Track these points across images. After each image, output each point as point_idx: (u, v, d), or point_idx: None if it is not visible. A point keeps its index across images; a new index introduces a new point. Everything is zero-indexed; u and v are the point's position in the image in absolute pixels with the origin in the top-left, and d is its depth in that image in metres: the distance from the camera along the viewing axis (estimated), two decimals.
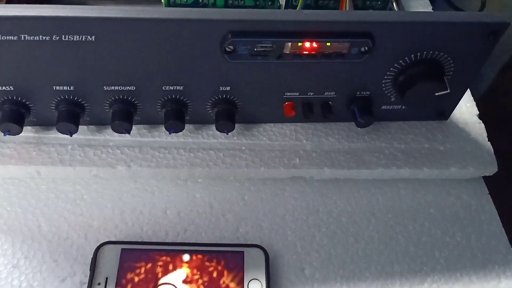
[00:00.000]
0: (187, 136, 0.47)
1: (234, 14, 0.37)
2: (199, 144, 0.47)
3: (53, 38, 0.36)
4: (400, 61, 0.43)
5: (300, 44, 0.39)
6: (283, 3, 0.55)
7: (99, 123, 0.46)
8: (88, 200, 0.47)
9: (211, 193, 0.49)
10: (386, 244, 0.47)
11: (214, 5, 0.54)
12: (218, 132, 0.48)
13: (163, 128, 0.47)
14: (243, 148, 0.47)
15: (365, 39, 0.39)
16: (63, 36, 0.36)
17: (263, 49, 0.39)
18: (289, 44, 0.39)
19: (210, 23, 0.37)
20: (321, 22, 0.38)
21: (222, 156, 0.46)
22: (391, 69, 0.43)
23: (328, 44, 0.40)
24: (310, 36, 0.38)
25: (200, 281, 0.41)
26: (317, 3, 0.55)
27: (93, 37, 0.37)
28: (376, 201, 0.49)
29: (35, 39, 0.36)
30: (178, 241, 0.45)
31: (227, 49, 0.39)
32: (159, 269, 0.42)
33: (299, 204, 0.49)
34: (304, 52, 0.40)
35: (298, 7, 0.54)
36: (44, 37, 0.36)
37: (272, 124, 0.49)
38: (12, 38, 0.36)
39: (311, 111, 0.46)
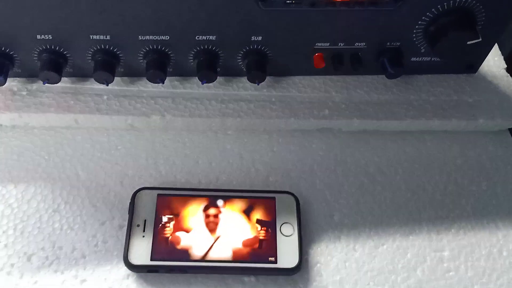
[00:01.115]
0: (218, 88, 0.48)
1: None
2: (230, 96, 0.48)
3: None
4: (432, 10, 0.43)
5: None
6: None
7: (133, 74, 0.47)
8: (122, 150, 0.48)
9: (240, 144, 0.50)
10: (413, 192, 0.48)
11: None
12: (248, 84, 0.48)
13: (194, 80, 0.48)
14: (273, 99, 0.48)
15: None
16: None
17: None
18: None
19: None
20: None
21: (253, 107, 0.47)
22: (423, 18, 0.44)
23: None
24: None
25: (234, 224, 0.43)
26: None
27: None
28: (403, 152, 0.50)
29: None
30: (211, 188, 0.47)
31: None
32: (193, 213, 0.43)
33: (327, 155, 0.50)
34: None
35: None
36: None
37: (301, 76, 0.49)
38: None
39: (341, 63, 0.47)
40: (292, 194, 0.45)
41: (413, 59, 0.48)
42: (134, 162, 0.48)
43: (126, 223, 0.44)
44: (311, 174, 0.49)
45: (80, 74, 0.46)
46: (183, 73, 0.47)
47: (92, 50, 0.43)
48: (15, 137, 0.48)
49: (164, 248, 0.41)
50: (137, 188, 0.45)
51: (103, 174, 0.46)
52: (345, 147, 0.50)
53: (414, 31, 0.45)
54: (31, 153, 0.47)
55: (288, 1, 0.40)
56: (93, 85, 0.46)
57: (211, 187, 0.47)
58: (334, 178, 0.48)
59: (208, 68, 0.44)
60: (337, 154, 0.50)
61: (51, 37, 0.41)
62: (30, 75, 0.45)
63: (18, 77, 0.45)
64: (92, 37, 0.42)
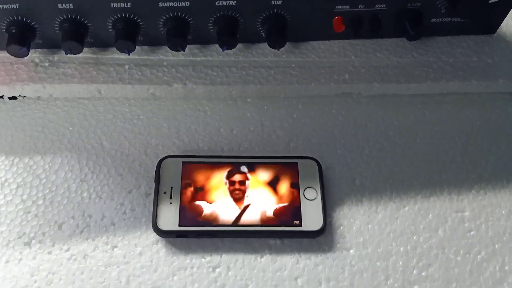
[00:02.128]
0: (238, 55, 0.48)
1: None
2: (249, 62, 0.48)
3: None
4: None
5: None
6: None
7: (153, 43, 0.47)
8: (144, 119, 0.49)
9: (261, 111, 0.50)
10: (433, 154, 0.48)
11: None
12: (267, 50, 0.48)
13: (214, 48, 0.48)
14: (293, 65, 0.48)
15: None
16: None
17: None
18: None
19: None
20: None
21: (273, 73, 0.47)
22: None
23: None
24: None
25: (258, 189, 0.44)
26: None
27: None
28: (422, 116, 0.50)
29: None
30: (234, 154, 0.47)
31: None
32: (219, 179, 0.44)
33: (347, 120, 0.50)
34: None
35: None
36: None
37: (320, 41, 0.49)
38: None
39: (360, 26, 0.46)
40: (314, 159, 0.46)
41: (433, 20, 0.48)
42: (157, 131, 0.48)
43: (152, 191, 0.45)
44: (332, 139, 0.49)
45: (101, 44, 0.46)
46: (202, 41, 0.47)
47: (113, 18, 0.43)
48: (38, 109, 0.48)
49: (191, 214, 0.42)
50: (161, 157, 0.46)
51: (127, 144, 0.47)
52: (364, 112, 0.51)
53: None
54: (55, 125, 0.48)
55: None
56: (114, 55, 0.46)
57: (234, 153, 0.48)
58: (355, 143, 0.49)
59: (229, 34, 0.44)
60: (357, 119, 0.50)
61: (72, 6, 0.41)
62: (51, 46, 0.45)
63: (40, 48, 0.45)
64: (113, 5, 0.41)
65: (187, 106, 0.50)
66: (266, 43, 0.48)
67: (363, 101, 0.51)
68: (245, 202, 0.43)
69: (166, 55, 0.47)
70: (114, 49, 0.46)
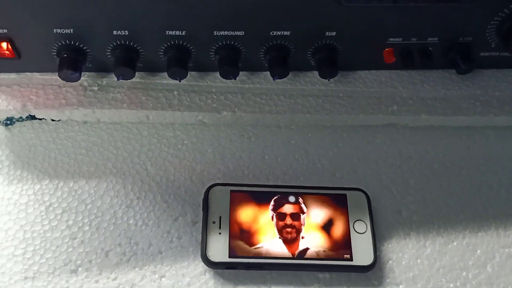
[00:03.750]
0: (286, 83, 0.48)
1: None
2: (297, 91, 0.47)
3: None
4: (511, 6, 0.42)
5: None
6: None
7: (202, 69, 0.46)
8: (189, 145, 0.48)
9: (305, 139, 0.50)
10: (478, 188, 0.48)
11: None
12: (315, 79, 0.48)
13: (261, 74, 0.48)
14: (341, 94, 0.48)
15: None
16: None
17: None
18: None
19: None
20: None
21: (321, 102, 0.47)
22: (499, 14, 0.43)
23: None
24: None
25: (308, 221, 0.43)
26: None
27: None
28: (467, 148, 0.50)
29: None
30: (280, 183, 0.47)
31: None
32: (268, 210, 0.43)
33: (392, 151, 0.49)
34: None
35: None
36: None
37: (367, 71, 0.49)
38: None
39: (411, 58, 0.46)
40: (363, 191, 0.45)
41: (482, 54, 0.48)
42: (201, 157, 0.48)
43: (198, 219, 0.44)
44: (377, 169, 0.49)
45: (150, 69, 0.45)
46: (252, 68, 0.47)
47: (166, 45, 0.42)
48: (81, 131, 0.47)
49: (241, 245, 0.42)
50: (206, 183, 0.46)
51: (172, 169, 0.47)
52: (409, 142, 0.50)
53: (489, 26, 0.44)
54: (99, 148, 0.47)
55: None
56: (163, 80, 0.46)
57: (279, 182, 0.47)
58: (400, 174, 0.48)
59: (281, 64, 0.44)
60: (401, 150, 0.50)
61: (127, 33, 0.41)
62: (100, 69, 0.45)
63: (89, 71, 0.45)
64: (168, 32, 0.41)
65: (231, 132, 0.49)
66: (313, 71, 0.48)
67: (407, 131, 0.51)
68: (295, 235, 0.43)
69: (214, 81, 0.46)
70: (163, 73, 0.46)
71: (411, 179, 0.48)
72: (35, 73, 0.44)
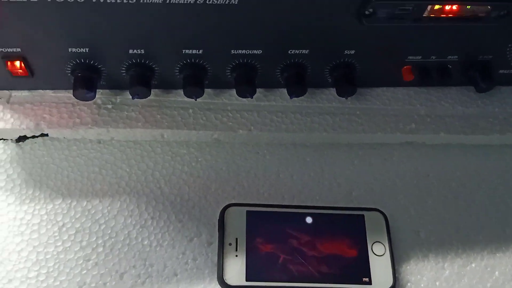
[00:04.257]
0: (302, 101, 0.47)
1: None
2: (314, 108, 0.47)
3: (197, 2, 0.35)
4: None
5: (440, 6, 0.38)
6: None
7: (217, 86, 0.45)
8: (203, 162, 0.47)
9: (320, 157, 0.49)
10: (496, 208, 0.47)
11: None
12: (332, 96, 0.47)
13: (277, 92, 0.47)
14: (358, 112, 0.47)
15: (507, 3, 0.38)
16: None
17: (402, 12, 0.38)
18: (429, 6, 0.38)
19: None
20: None
21: (339, 120, 0.46)
22: None
23: (469, 6, 0.38)
24: None
25: (325, 243, 0.42)
26: None
27: (237, 0, 0.36)
28: (484, 166, 0.49)
29: (179, 2, 0.35)
30: (295, 203, 0.46)
31: (367, 12, 0.38)
32: (285, 231, 0.42)
33: (408, 169, 0.49)
34: (442, 15, 0.39)
35: None
36: (188, 0, 0.35)
37: (384, 88, 0.48)
38: (157, 1, 0.35)
39: (429, 75, 0.45)
40: (381, 211, 0.45)
41: (501, 71, 0.47)
42: (216, 175, 0.47)
43: (214, 239, 0.44)
44: (394, 188, 0.48)
45: (165, 86, 0.45)
46: (267, 85, 0.46)
47: (182, 63, 0.42)
48: (94, 149, 0.47)
49: (259, 267, 0.41)
50: (221, 203, 0.45)
51: (186, 188, 0.46)
52: (426, 160, 0.50)
53: (509, 45, 0.44)
54: (113, 166, 0.46)
55: (392, 17, 0.38)
56: (177, 97, 0.45)
57: (295, 201, 0.46)
58: (417, 193, 0.48)
59: (299, 83, 0.43)
60: (418, 168, 0.49)
61: (143, 52, 0.40)
62: (114, 86, 0.44)
63: (102, 89, 0.44)
64: (185, 51, 0.40)
65: (246, 149, 0.49)
66: (329, 88, 0.48)
67: (424, 149, 0.50)
68: (313, 257, 0.42)
69: (230, 99, 0.46)
70: (178, 91, 0.45)
71: (429, 198, 0.48)
72: (48, 90, 0.44)
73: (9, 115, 0.42)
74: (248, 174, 0.47)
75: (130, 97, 0.43)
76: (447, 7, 0.38)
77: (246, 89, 0.42)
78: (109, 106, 0.44)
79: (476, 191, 0.48)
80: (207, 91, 0.46)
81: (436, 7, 0.38)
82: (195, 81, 0.41)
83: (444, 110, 0.48)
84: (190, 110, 0.45)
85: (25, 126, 0.42)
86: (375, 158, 0.49)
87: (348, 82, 0.43)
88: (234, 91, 0.45)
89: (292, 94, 0.44)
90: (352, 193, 0.47)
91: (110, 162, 0.46)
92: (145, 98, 0.42)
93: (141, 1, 0.35)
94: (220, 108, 0.46)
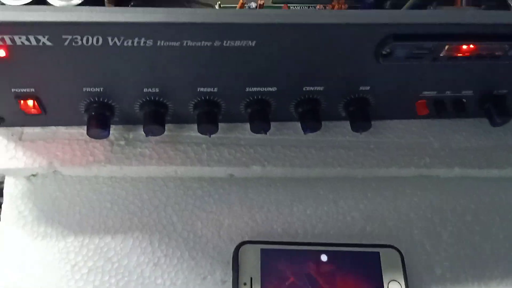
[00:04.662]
0: (316, 134, 0.46)
1: (400, 16, 0.36)
2: (327, 142, 0.46)
3: (214, 44, 0.35)
4: None
5: (458, 46, 0.38)
6: None
7: (231, 121, 0.45)
8: (215, 196, 0.47)
9: (333, 189, 0.48)
10: None
11: None
12: (345, 129, 0.47)
13: (290, 125, 0.47)
14: (371, 146, 0.47)
15: None
16: (224, 41, 0.35)
17: (420, 52, 0.38)
18: (447, 46, 0.38)
19: (373, 26, 0.36)
20: (488, 24, 0.36)
21: (353, 155, 0.46)
22: None
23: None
24: (473, 39, 0.37)
25: (342, 281, 0.42)
26: None
27: (254, 42, 0.36)
28: (499, 199, 0.49)
29: (196, 44, 0.35)
30: (310, 239, 0.46)
31: (384, 52, 0.38)
32: (300, 269, 0.42)
33: (423, 202, 0.48)
34: (460, 54, 0.39)
35: None
36: (205, 43, 0.35)
37: (397, 120, 0.48)
38: (174, 44, 0.35)
39: (444, 109, 0.45)
40: (396, 249, 0.44)
41: None
42: (229, 210, 0.46)
43: (228, 277, 0.43)
44: (408, 222, 0.47)
45: (177, 121, 0.44)
46: (281, 119, 0.46)
47: (196, 100, 0.41)
48: (106, 184, 0.46)
49: None
50: (235, 239, 0.44)
51: (199, 224, 0.45)
52: (440, 194, 0.49)
53: None
54: (124, 201, 0.45)
55: (409, 57, 0.38)
56: (191, 133, 0.44)
57: (309, 237, 0.46)
58: (432, 227, 0.47)
59: (313, 118, 0.43)
60: (432, 201, 0.49)
61: (157, 90, 0.40)
62: (127, 122, 0.44)
63: (114, 124, 0.44)
64: (200, 89, 0.40)
65: (259, 182, 0.48)
66: (342, 121, 0.47)
67: (438, 182, 0.49)
68: None
69: (243, 133, 0.45)
70: (191, 125, 0.45)
71: (444, 232, 0.47)
72: (60, 126, 0.43)
73: (21, 153, 0.42)
74: (261, 208, 0.47)
75: (143, 132, 0.43)
76: (465, 47, 0.38)
77: (260, 125, 0.42)
78: (122, 143, 0.44)
79: (492, 225, 0.48)
80: (220, 125, 0.46)
81: (454, 46, 0.38)
82: (209, 119, 0.41)
83: (458, 143, 0.48)
84: (204, 145, 0.45)
85: (37, 165, 0.42)
86: (388, 191, 0.49)
87: (363, 119, 0.43)
88: (247, 125, 0.45)
89: (306, 130, 0.43)
90: (367, 227, 0.47)
91: (122, 197, 0.46)
92: (159, 135, 0.42)
93: (158, 44, 0.35)
94: (234, 142, 0.45)
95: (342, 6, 0.49)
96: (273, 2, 0.52)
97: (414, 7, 0.44)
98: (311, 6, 0.48)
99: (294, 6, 0.49)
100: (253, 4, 0.48)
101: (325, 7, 0.47)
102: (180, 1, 0.44)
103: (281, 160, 0.45)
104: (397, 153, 0.47)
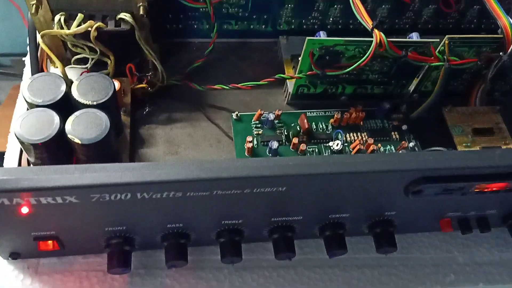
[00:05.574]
0: None
1: (430, 161, 0.35)
2: (351, 261, 0.45)
3: (244, 191, 0.34)
4: None
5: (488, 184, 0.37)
6: (411, 89, 0.53)
7: (253, 241, 0.44)
8: None
9: None
10: None
11: (342, 93, 0.52)
12: (367, 245, 0.46)
13: (311, 243, 0.46)
14: (396, 263, 0.46)
15: None
16: (255, 189, 0.34)
17: (450, 189, 0.37)
18: (476, 185, 0.37)
19: (402, 172, 0.35)
20: None
21: (377, 274, 0.45)
22: None
23: None
24: (503, 179, 0.37)
25: None
26: None
27: (284, 188, 0.35)
28: None
29: (226, 193, 0.34)
30: None
31: (414, 190, 0.37)
32: None
33: None
34: (487, 190, 0.38)
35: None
36: (235, 191, 0.34)
37: (419, 233, 0.47)
38: (204, 194, 0.34)
39: (468, 228, 0.45)
40: None
41: None
42: None
43: None
44: None
45: (198, 244, 0.43)
46: (302, 237, 0.45)
47: (220, 230, 0.40)
48: None
49: None
50: None
51: None
52: None
53: None
54: None
55: (439, 193, 0.38)
56: (211, 256, 0.43)
57: None
58: None
59: (337, 244, 0.42)
60: None
61: (181, 225, 0.39)
62: (146, 248, 0.42)
63: (133, 251, 0.42)
64: (224, 222, 0.39)
65: None
66: (365, 236, 0.46)
67: None
68: None
69: (264, 253, 0.44)
70: (211, 247, 0.44)
71: None
72: (77, 256, 0.42)
73: None
74: None
75: (163, 256, 0.42)
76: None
77: (286, 255, 0.41)
78: (142, 271, 0.42)
79: None
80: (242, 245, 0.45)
81: (484, 185, 0.37)
82: (233, 250, 0.40)
83: (482, 256, 0.47)
84: (225, 271, 0.43)
85: None
86: None
87: (389, 244, 0.42)
88: (268, 244, 0.43)
89: (332, 255, 0.42)
90: None
91: None
92: (181, 267, 0.40)
93: (188, 194, 0.34)
94: (255, 265, 0.44)
95: (360, 113, 0.49)
96: (287, 104, 0.52)
97: (430, 105, 0.45)
98: (328, 112, 0.49)
99: (310, 112, 0.49)
100: (272, 116, 0.48)
101: (342, 115, 0.48)
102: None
103: (304, 284, 0.44)
104: (422, 271, 0.46)
